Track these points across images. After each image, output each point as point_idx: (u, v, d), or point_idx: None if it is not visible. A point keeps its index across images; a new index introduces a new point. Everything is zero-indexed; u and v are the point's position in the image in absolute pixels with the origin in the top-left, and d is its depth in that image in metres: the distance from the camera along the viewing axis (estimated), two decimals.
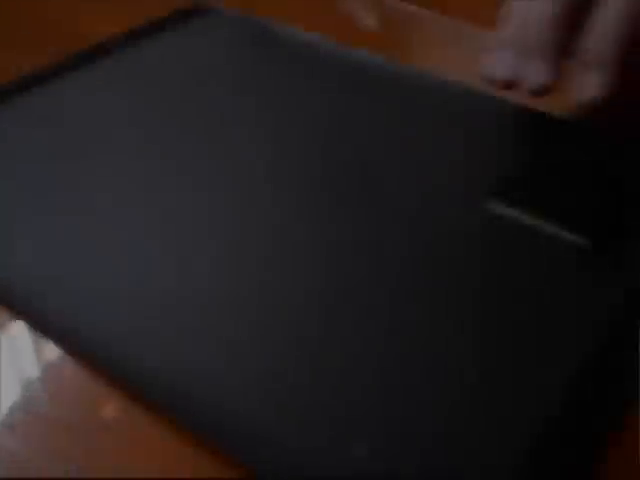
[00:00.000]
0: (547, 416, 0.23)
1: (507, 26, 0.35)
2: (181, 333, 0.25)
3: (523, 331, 0.26)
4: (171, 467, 0.22)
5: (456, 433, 0.22)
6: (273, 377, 0.24)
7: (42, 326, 0.26)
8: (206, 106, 0.36)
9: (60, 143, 0.34)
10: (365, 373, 0.24)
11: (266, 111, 0.36)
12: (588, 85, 0.31)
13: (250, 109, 0.36)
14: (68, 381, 0.25)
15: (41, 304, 0.26)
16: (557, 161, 0.29)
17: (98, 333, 0.25)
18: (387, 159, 0.33)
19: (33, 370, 0.25)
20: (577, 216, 0.29)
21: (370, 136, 0.35)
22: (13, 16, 0.46)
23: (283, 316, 0.26)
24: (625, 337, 0.26)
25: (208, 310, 0.26)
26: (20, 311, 0.27)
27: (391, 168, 0.33)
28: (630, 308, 0.27)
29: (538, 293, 0.27)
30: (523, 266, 0.28)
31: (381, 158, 0.34)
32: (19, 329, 0.26)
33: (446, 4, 0.49)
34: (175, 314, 0.26)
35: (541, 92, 0.32)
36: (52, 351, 0.25)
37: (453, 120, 0.36)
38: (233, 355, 0.25)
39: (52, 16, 0.46)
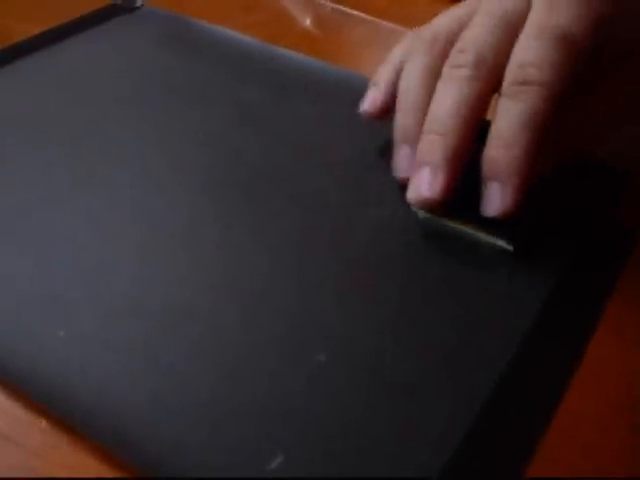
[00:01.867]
0: (471, 419, 0.23)
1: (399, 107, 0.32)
2: (91, 343, 0.24)
3: (445, 332, 0.26)
4: None
5: (379, 437, 0.22)
6: (185, 388, 0.23)
7: None
8: (127, 104, 0.36)
9: None
10: (281, 379, 0.24)
11: (188, 109, 0.36)
12: (488, 200, 0.28)
13: (172, 107, 0.36)
14: None
15: None
16: (481, 165, 0.29)
17: None
18: (310, 159, 0.33)
19: None
20: (498, 220, 0.29)
21: (294, 135, 0.35)
22: None
23: (196, 323, 0.25)
24: (545, 338, 0.26)
25: (115, 317, 0.25)
26: None
27: (314, 168, 0.33)
28: (549, 309, 0.27)
29: (460, 294, 0.27)
30: (445, 268, 0.28)
31: (303, 158, 0.33)
32: None
33: (374, 5, 0.49)
34: (82, 322, 0.25)
35: (425, 207, 0.29)
36: None
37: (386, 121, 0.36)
38: (146, 367, 0.24)
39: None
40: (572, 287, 0.28)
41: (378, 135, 0.35)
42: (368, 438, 0.22)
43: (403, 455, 0.22)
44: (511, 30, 0.29)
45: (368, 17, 0.47)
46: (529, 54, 0.28)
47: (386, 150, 0.33)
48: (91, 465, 0.22)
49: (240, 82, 0.38)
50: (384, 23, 0.47)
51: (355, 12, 0.48)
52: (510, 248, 0.29)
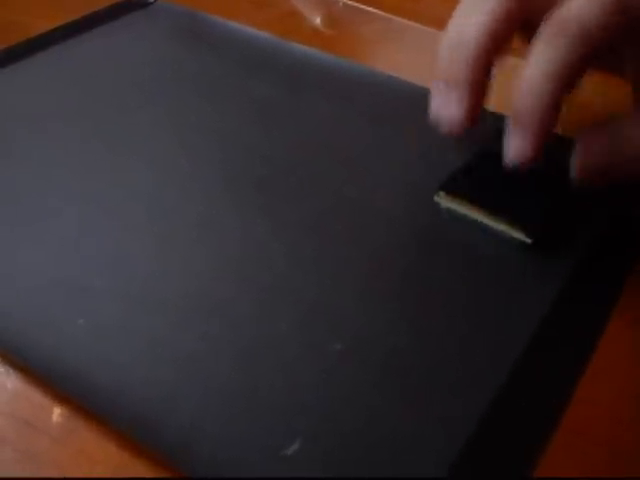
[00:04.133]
0: (483, 412, 0.23)
1: (440, 48, 0.32)
2: (109, 332, 0.25)
3: (459, 325, 0.26)
4: (112, 474, 0.22)
5: (388, 433, 0.22)
6: (203, 375, 0.24)
7: None
8: (142, 99, 0.36)
9: None
10: (299, 367, 0.24)
11: (202, 104, 0.36)
12: (509, 148, 0.28)
13: (186, 101, 0.36)
14: (1, 387, 0.24)
15: None
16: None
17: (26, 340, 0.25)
18: (327, 153, 0.33)
19: None
20: (519, 212, 0.29)
21: (309, 129, 0.35)
22: None
23: (214, 313, 0.26)
24: (559, 330, 0.26)
25: (134, 307, 0.26)
26: None
27: (331, 161, 0.33)
28: (563, 301, 0.27)
29: (475, 286, 0.27)
30: (464, 258, 0.28)
31: (320, 152, 0.33)
32: None
33: (385, 1, 0.49)
34: (101, 311, 0.25)
35: (452, 131, 0.30)
36: None
37: (401, 115, 0.36)
38: (163, 355, 0.24)
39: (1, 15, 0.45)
40: (587, 278, 0.28)
41: (393, 129, 0.35)
42: (384, 428, 0.23)
43: (415, 449, 0.22)
44: None
45: (380, 13, 0.48)
46: (576, 4, 0.27)
47: (402, 143, 0.34)
48: (110, 451, 0.22)
49: (254, 77, 0.38)
50: (396, 19, 0.47)
51: (367, 8, 0.48)
52: (529, 241, 0.29)
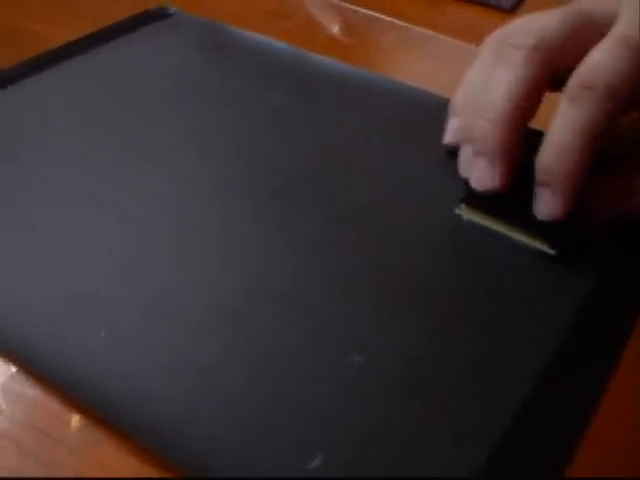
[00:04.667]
0: (508, 421, 0.23)
1: (461, 92, 0.33)
2: (128, 342, 0.25)
3: (482, 333, 0.26)
4: None
5: (414, 443, 0.22)
6: (223, 388, 0.23)
7: None
8: (162, 109, 0.36)
9: (18, 149, 0.33)
10: (318, 379, 0.24)
11: (222, 114, 0.36)
12: (539, 205, 0.29)
13: (206, 112, 0.36)
14: (21, 399, 0.24)
15: None
16: (526, 170, 0.29)
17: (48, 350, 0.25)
18: (349, 162, 0.33)
19: None
20: (542, 224, 0.29)
21: (331, 139, 0.35)
22: None
23: (234, 324, 0.26)
24: (583, 340, 0.26)
25: (154, 318, 0.26)
26: None
27: (355, 171, 0.33)
28: (587, 311, 0.27)
29: (498, 296, 0.27)
30: (486, 270, 0.28)
31: (338, 162, 0.33)
32: None
33: (404, 10, 0.49)
34: (122, 323, 0.25)
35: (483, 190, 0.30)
36: (4, 368, 0.25)
37: (420, 125, 0.36)
38: (182, 366, 0.24)
39: (11, 21, 0.45)
40: (609, 292, 0.28)
41: (412, 139, 0.35)
42: (405, 439, 0.22)
43: (439, 457, 0.22)
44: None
45: (399, 22, 0.48)
46: (600, 60, 0.27)
47: (420, 154, 0.33)
48: (129, 463, 0.22)
49: (273, 87, 0.38)
50: (415, 29, 0.47)
51: (385, 17, 0.48)
52: (552, 252, 0.29)
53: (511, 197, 0.30)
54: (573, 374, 0.25)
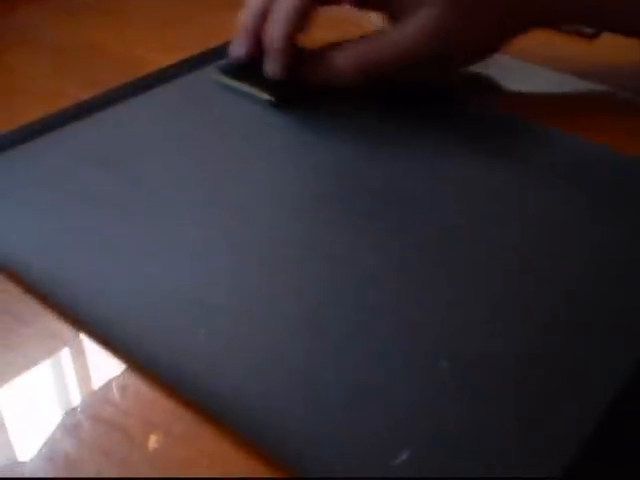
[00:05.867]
0: (586, 435, 0.24)
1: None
2: (228, 343, 0.27)
3: (567, 338, 0.27)
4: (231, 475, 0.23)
5: (495, 448, 0.23)
6: (317, 389, 0.25)
7: (105, 337, 0.27)
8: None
9: (114, 178, 0.35)
10: (408, 383, 0.25)
11: (309, 138, 0.38)
12: (267, 67, 0.40)
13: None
14: (130, 392, 0.26)
15: (105, 316, 0.28)
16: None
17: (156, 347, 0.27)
18: (438, 181, 0.35)
19: (98, 379, 0.26)
20: (270, 82, 0.40)
21: (420, 159, 0.37)
22: (67, 45, 0.48)
23: (326, 334, 0.27)
24: None
25: (249, 320, 0.28)
26: (85, 321, 0.28)
27: (443, 191, 0.35)
28: None
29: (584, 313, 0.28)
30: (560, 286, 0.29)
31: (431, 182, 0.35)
32: (86, 340, 0.28)
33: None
34: (220, 324, 0.27)
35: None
36: (117, 364, 0.27)
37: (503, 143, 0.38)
38: (277, 364, 0.26)
39: (104, 43, 0.48)
40: None
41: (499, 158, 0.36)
42: (491, 440, 0.23)
43: (523, 465, 0.23)
44: None
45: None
46: None
47: (494, 173, 0.35)
48: (229, 453, 0.24)
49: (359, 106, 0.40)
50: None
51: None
52: (273, 99, 0.40)
53: (255, 65, 0.40)
54: None
